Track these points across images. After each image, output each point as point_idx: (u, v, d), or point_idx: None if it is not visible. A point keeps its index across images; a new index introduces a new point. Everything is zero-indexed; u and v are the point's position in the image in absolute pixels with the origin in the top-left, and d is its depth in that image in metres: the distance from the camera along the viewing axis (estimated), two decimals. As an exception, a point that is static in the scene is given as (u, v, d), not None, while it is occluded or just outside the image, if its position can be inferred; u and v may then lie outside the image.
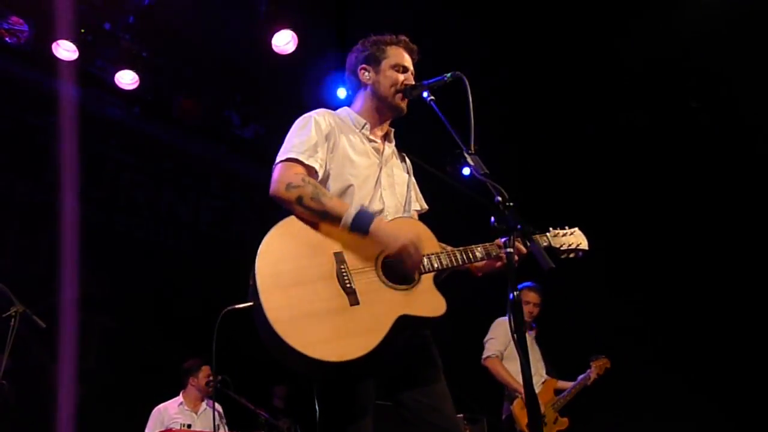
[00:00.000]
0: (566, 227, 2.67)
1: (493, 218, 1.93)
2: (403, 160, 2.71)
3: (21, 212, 6.08)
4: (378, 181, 2.48)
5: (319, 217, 2.26)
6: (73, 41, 5.33)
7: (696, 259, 6.16)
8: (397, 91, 2.54)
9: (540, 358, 5.12)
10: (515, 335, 1.87)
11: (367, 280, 2.21)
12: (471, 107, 2.16)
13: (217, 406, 5.30)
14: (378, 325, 2.12)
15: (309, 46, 5.51)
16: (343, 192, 2.40)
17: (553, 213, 3.05)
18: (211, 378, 5.29)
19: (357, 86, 2.66)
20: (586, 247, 2.66)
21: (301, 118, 2.50)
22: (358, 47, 2.66)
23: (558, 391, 5.00)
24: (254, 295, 2.11)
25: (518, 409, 4.69)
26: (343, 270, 2.19)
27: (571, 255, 2.63)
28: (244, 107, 6.42)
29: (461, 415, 5.52)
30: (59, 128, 6.02)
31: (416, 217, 2.62)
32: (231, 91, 6.30)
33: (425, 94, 2.43)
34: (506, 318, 5.03)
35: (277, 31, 5.44)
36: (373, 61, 2.60)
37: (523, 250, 2.25)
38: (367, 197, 2.42)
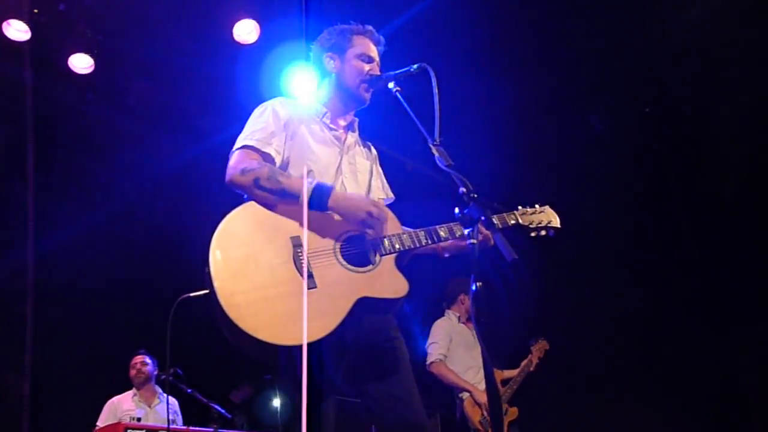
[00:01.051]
0: (536, 205, 2.63)
1: (457, 209, 1.92)
2: (368, 149, 2.70)
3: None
4: (339, 168, 2.47)
5: (277, 197, 2.25)
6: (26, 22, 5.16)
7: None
8: (362, 81, 2.52)
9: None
10: (477, 328, 1.86)
11: (325, 264, 2.20)
12: (437, 98, 2.16)
13: (173, 399, 5.22)
14: (336, 309, 2.11)
15: (271, 36, 5.44)
16: (309, 173, 2.37)
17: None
18: (140, 368, 5.23)
19: (321, 74, 2.64)
20: (558, 225, 2.60)
21: (259, 106, 2.49)
22: (323, 35, 2.65)
23: (504, 382, 5.05)
24: (209, 281, 2.09)
25: (469, 407, 4.74)
26: (300, 253, 2.17)
27: (542, 233, 2.57)
28: (201, 97, 6.31)
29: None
30: (8, 112, 5.84)
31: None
32: (188, 79, 6.17)
33: (391, 85, 2.42)
34: (443, 320, 5.15)
35: (239, 20, 5.37)
36: (338, 50, 2.59)
37: (490, 238, 2.23)
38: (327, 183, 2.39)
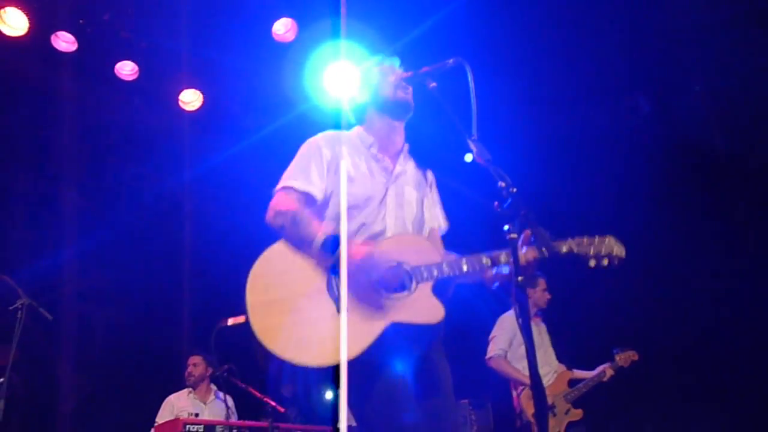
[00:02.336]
0: (595, 236, 2.38)
1: (496, 203, 1.91)
2: (423, 175, 2.68)
3: (24, 204, 6.09)
4: (383, 201, 2.47)
5: (297, 245, 2.31)
6: (72, 33, 5.34)
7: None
8: (396, 87, 2.52)
9: (550, 348, 5.10)
10: (520, 320, 1.86)
11: (360, 289, 2.23)
12: (473, 93, 2.14)
13: (228, 397, 5.36)
14: (366, 332, 2.16)
15: (308, 34, 5.49)
16: (351, 208, 2.41)
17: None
18: (188, 365, 5.36)
19: (362, 112, 2.66)
20: (622, 254, 2.32)
21: (305, 143, 2.53)
22: (350, 85, 2.73)
23: (573, 382, 4.95)
24: (246, 311, 2.21)
25: (525, 399, 4.73)
26: (333, 281, 2.23)
27: (605, 262, 2.30)
28: (243, 96, 6.40)
29: (466, 400, 5.56)
30: (61, 120, 6.05)
31: (432, 235, 2.59)
32: (231, 81, 6.27)
33: (426, 81, 2.41)
34: (510, 313, 5.04)
35: (278, 19, 5.45)
36: (365, 83, 2.63)
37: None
38: (369, 217, 2.42)
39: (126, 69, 5.76)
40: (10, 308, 3.61)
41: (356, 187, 2.44)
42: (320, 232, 2.29)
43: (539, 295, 5.10)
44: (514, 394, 4.89)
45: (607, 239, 2.38)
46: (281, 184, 2.45)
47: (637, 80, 6.08)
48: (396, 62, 2.63)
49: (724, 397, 5.79)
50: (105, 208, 6.46)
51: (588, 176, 6.30)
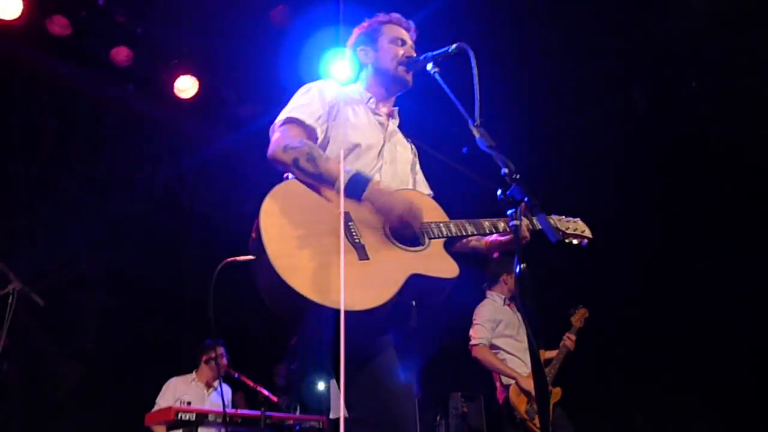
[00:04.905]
0: (569, 216, 2.67)
1: (499, 191, 1.89)
2: (409, 143, 2.69)
3: (17, 190, 6.04)
4: (380, 153, 2.46)
5: (314, 180, 2.23)
6: (67, 17, 5.28)
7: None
8: (399, 63, 2.52)
9: (522, 330, 5.02)
10: (523, 310, 1.84)
11: (376, 238, 2.19)
12: (476, 78, 2.12)
13: (227, 386, 5.36)
14: (390, 281, 2.08)
15: (307, 20, 5.45)
16: (349, 152, 2.38)
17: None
18: (217, 356, 5.33)
19: (359, 68, 2.66)
20: (590, 236, 2.64)
21: (304, 85, 2.49)
22: (353, 35, 2.67)
23: (546, 362, 4.87)
24: (258, 246, 2.06)
25: (515, 396, 4.59)
26: (351, 225, 2.16)
27: (575, 241, 2.61)
28: (240, 83, 6.36)
29: (458, 393, 5.55)
30: (55, 105, 6.00)
31: None
32: (228, 68, 6.22)
33: (429, 66, 2.40)
34: (487, 302, 5.00)
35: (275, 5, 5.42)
36: (370, 41, 2.61)
37: (528, 232, 2.28)
38: (368, 167, 2.40)
39: (121, 55, 5.71)
40: (1, 293, 3.57)
41: (358, 132, 2.43)
42: (340, 169, 2.22)
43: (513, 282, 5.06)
44: (499, 384, 4.82)
45: (578, 220, 2.66)
46: (284, 116, 2.37)
47: (634, 74, 6.07)
48: (410, 26, 2.62)
49: (700, 375, 5.84)
50: (99, 195, 6.42)
51: (583, 168, 6.31)
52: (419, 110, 3.03)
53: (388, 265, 2.13)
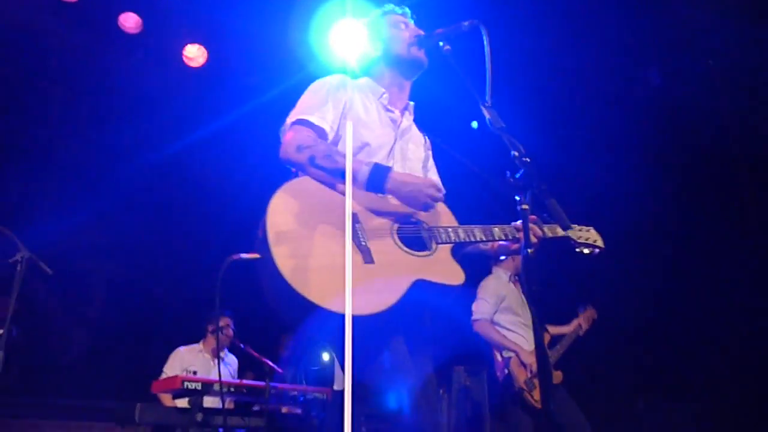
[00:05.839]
0: (581, 225, 2.60)
1: (508, 173, 1.87)
2: (423, 138, 2.65)
3: (25, 158, 6.05)
4: (391, 151, 2.43)
5: (332, 177, 2.20)
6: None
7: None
8: (410, 44, 2.48)
9: (527, 310, 5.06)
10: (528, 292, 1.84)
11: (383, 242, 2.17)
12: (488, 58, 2.08)
13: (233, 357, 5.41)
14: (394, 286, 2.07)
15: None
16: (359, 151, 2.36)
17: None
18: (225, 327, 5.38)
19: (372, 64, 2.61)
20: (602, 245, 2.57)
21: (315, 82, 2.46)
22: (357, 37, 2.64)
23: (551, 342, 4.93)
24: (263, 246, 2.05)
25: (515, 367, 4.63)
26: (358, 228, 2.15)
27: (586, 250, 2.55)
28: (248, 55, 6.30)
29: (461, 367, 5.59)
30: (63, 72, 5.97)
31: None
32: (234, 38, 6.16)
33: (440, 44, 2.36)
34: (492, 277, 5.01)
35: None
36: (375, 35, 2.58)
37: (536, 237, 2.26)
38: None
39: (129, 21, 5.66)
40: (10, 261, 3.59)
41: (369, 131, 2.41)
42: (357, 163, 2.22)
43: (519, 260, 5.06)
44: (498, 357, 4.86)
45: (591, 229, 2.59)
46: (294, 117, 2.36)
47: (649, 52, 5.97)
48: (407, 13, 2.58)
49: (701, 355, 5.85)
50: (107, 163, 6.42)
51: (595, 147, 6.25)
52: (433, 98, 2.97)
53: (394, 270, 2.12)
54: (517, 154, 1.85)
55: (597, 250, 2.56)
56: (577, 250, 2.54)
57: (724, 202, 5.96)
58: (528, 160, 1.82)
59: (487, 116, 2.00)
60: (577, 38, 5.72)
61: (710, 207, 5.99)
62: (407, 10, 2.60)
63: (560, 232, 2.51)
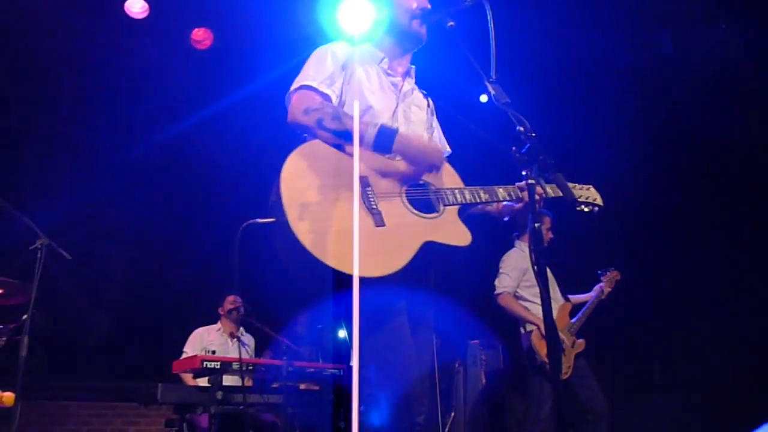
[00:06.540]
0: (581, 183, 2.68)
1: (514, 148, 1.89)
2: (425, 99, 2.66)
3: (39, 145, 6.11)
4: (394, 115, 2.45)
5: (341, 139, 2.24)
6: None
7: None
8: (413, 17, 2.48)
9: (554, 283, 5.10)
10: (535, 267, 1.86)
11: (392, 205, 2.21)
12: (492, 33, 2.08)
13: (250, 337, 5.50)
14: (403, 248, 2.12)
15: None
16: (364, 115, 2.38)
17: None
18: (234, 306, 5.47)
19: (375, 27, 2.60)
20: (601, 203, 2.65)
21: (318, 49, 2.48)
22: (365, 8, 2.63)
23: (575, 309, 4.97)
24: (278, 209, 2.09)
25: (537, 340, 4.68)
26: (369, 192, 2.19)
27: (586, 209, 2.62)
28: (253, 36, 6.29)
29: (476, 341, 5.63)
30: (71, 58, 6.00)
31: None
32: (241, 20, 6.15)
33: (444, 20, 2.35)
34: (514, 251, 5.05)
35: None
36: (381, 2, 2.56)
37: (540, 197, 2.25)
38: None
39: (136, 6, 5.67)
40: (30, 248, 3.67)
41: (371, 96, 2.43)
42: (364, 124, 2.25)
43: (543, 233, 5.06)
44: (523, 330, 4.90)
45: (590, 187, 2.67)
46: (299, 83, 2.40)
47: (660, 17, 5.88)
48: None
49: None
50: (119, 148, 6.47)
51: (605, 115, 6.21)
52: (436, 64, 2.98)
53: (403, 232, 2.16)
54: (522, 129, 1.87)
55: (596, 208, 2.63)
56: (577, 208, 2.60)
57: (738, 185, 5.92)
58: (533, 134, 1.84)
59: (492, 92, 2.01)
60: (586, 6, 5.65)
61: (724, 191, 5.95)
62: None
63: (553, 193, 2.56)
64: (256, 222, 2.42)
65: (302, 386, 4.87)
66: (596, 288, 5.09)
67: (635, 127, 6.19)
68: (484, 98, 6.12)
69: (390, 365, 2.16)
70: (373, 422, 2.13)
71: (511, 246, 5.13)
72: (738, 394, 5.65)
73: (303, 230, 2.03)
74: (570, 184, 2.63)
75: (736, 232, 5.90)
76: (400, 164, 2.30)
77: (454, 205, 2.31)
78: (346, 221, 2.08)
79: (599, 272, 5.18)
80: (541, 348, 4.64)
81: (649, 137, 6.20)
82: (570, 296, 5.04)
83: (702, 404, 5.74)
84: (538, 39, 5.78)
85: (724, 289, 5.82)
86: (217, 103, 6.77)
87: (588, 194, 2.65)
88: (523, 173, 1.84)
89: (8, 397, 3.44)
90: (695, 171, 6.17)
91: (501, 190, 2.41)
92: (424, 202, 2.30)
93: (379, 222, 2.14)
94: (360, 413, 1.97)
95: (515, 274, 4.92)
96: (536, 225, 1.81)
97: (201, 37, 6.05)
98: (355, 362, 2.18)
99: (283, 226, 2.05)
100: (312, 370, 4.75)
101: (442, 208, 2.29)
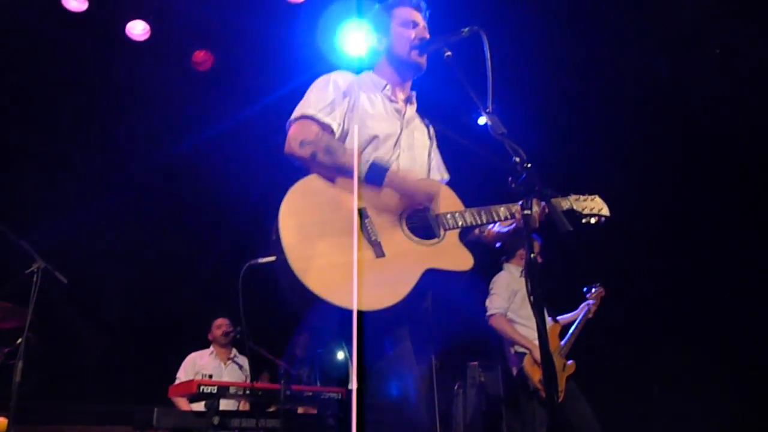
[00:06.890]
0: (586, 194, 2.67)
1: (510, 179, 1.89)
2: (426, 126, 2.68)
3: (37, 166, 6.12)
4: (397, 142, 2.46)
5: (334, 173, 2.25)
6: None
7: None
8: (411, 48, 2.50)
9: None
10: (531, 297, 1.85)
11: (392, 234, 2.22)
12: (489, 64, 2.10)
13: (243, 358, 5.46)
14: (405, 278, 2.12)
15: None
16: (367, 144, 2.39)
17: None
18: (225, 330, 5.45)
19: (375, 56, 2.64)
20: (608, 214, 2.64)
21: (320, 78, 2.49)
22: (368, 22, 2.66)
23: (562, 332, 4.88)
24: (278, 248, 2.11)
25: (529, 366, 4.61)
26: (367, 223, 2.19)
27: (592, 220, 2.61)
28: (255, 57, 6.32)
29: (475, 363, 5.59)
30: (72, 80, 6.03)
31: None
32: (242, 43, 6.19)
33: (442, 50, 2.37)
34: (503, 273, 5.02)
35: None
36: (382, 28, 2.60)
37: (539, 217, 2.27)
38: (386, 156, 2.41)
39: (137, 29, 5.70)
40: (26, 272, 3.66)
41: (375, 122, 2.44)
42: (355, 159, 2.25)
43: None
44: (512, 351, 4.85)
45: (596, 197, 2.67)
46: (298, 113, 2.40)
47: (655, 42, 5.93)
48: (422, 6, 2.60)
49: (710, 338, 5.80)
50: (118, 169, 6.48)
51: (601, 137, 6.24)
52: (435, 88, 3.00)
53: (404, 262, 2.17)
54: (518, 160, 1.87)
55: (603, 219, 2.62)
56: (584, 221, 2.60)
57: (736, 190, 5.93)
58: (529, 165, 1.84)
59: (489, 122, 2.01)
60: (585, 27, 5.70)
61: (721, 195, 5.96)
62: (420, 2, 2.62)
63: (565, 204, 2.59)
64: (257, 262, 2.44)
65: (300, 410, 4.83)
66: (582, 306, 5.00)
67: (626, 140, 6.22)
68: (482, 120, 6.14)
69: (393, 390, 2.14)
70: None
71: (500, 269, 5.12)
72: (732, 414, 5.62)
73: (302, 269, 2.04)
74: (574, 197, 2.66)
75: (722, 243, 5.92)
76: (396, 195, 2.30)
77: (454, 228, 2.31)
78: (346, 256, 2.09)
79: (584, 289, 5.09)
80: (534, 374, 4.58)
81: (628, 155, 6.22)
82: (558, 317, 4.99)
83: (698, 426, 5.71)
84: (538, 41, 5.81)
85: (715, 300, 5.83)
86: (217, 124, 6.79)
87: (593, 205, 2.64)
88: (520, 204, 1.84)
89: (1, 422, 3.41)
90: (679, 186, 6.20)
91: (502, 209, 2.41)
92: (425, 228, 2.30)
93: (379, 253, 2.15)
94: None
95: (505, 295, 4.90)
96: (532, 255, 1.80)
97: (201, 59, 6.09)
98: (354, 385, 2.18)
99: (283, 265, 2.07)
100: (310, 393, 4.72)
101: (442, 232, 2.29)
